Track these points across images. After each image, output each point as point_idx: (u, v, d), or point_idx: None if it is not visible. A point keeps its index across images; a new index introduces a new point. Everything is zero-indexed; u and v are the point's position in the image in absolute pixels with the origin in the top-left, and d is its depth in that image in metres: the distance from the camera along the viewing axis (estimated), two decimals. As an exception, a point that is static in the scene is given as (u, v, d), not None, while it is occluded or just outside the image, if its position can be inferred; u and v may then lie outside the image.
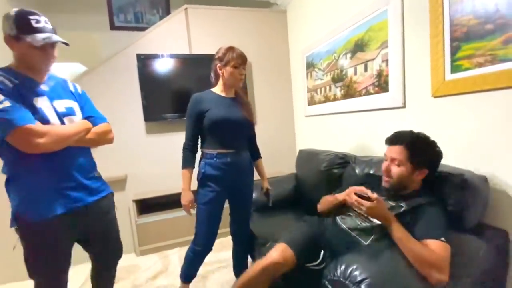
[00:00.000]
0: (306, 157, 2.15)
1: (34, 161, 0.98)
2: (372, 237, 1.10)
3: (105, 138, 1.20)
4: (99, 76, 2.38)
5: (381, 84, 1.69)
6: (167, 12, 3.37)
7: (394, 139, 1.15)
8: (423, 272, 0.89)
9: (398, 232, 0.98)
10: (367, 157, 1.67)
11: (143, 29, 2.87)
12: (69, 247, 1.13)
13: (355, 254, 0.99)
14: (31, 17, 0.97)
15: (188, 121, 1.45)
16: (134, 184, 2.51)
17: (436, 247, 0.91)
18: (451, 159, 1.28)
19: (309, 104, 2.62)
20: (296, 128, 3.01)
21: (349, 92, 2.01)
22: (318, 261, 1.17)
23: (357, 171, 1.60)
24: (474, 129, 1.21)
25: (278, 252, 1.12)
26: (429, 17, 1.32)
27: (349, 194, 1.16)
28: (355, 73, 1.92)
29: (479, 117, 1.18)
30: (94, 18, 3.18)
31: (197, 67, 2.51)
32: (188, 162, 1.46)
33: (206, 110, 1.41)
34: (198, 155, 1.50)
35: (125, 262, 2.28)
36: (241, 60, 1.42)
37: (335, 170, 1.77)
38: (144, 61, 2.41)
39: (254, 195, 1.68)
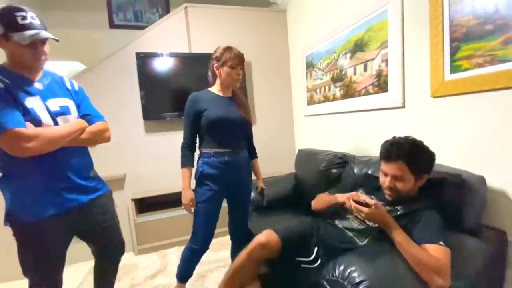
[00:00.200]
0: (305, 157, 2.15)
1: (27, 162, 0.97)
2: (368, 238, 1.10)
3: (101, 137, 1.18)
4: (98, 75, 2.37)
5: (381, 84, 1.69)
6: (167, 10, 3.36)
7: (391, 156, 1.08)
8: (425, 277, 0.87)
9: (399, 236, 0.97)
10: (366, 157, 1.67)
11: (142, 27, 2.86)
12: (64, 248, 1.12)
13: (354, 255, 0.98)
14: (17, 14, 0.93)
15: (186, 120, 1.45)
16: (133, 183, 2.50)
17: (436, 252, 0.90)
18: (449, 159, 1.28)
19: (308, 104, 2.62)
20: (295, 128, 3.00)
21: (349, 92, 2.01)
22: (312, 257, 1.18)
23: (355, 171, 1.60)
24: (473, 129, 1.21)
25: (263, 235, 1.19)
26: (429, 17, 1.32)
27: (348, 199, 1.14)
28: (355, 73, 1.92)
29: (478, 118, 1.18)
30: (93, 16, 3.17)
31: (196, 66, 2.51)
32: (187, 161, 1.46)
33: (203, 109, 1.41)
34: (197, 154, 1.50)
35: (124, 261, 2.25)
36: (238, 61, 1.42)
37: (334, 170, 1.77)
38: (143, 59, 2.41)
39: (251, 194, 1.67)
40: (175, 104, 2.52)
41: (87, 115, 1.16)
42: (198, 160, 1.49)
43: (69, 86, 1.17)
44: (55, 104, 1.06)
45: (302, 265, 1.17)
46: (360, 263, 0.91)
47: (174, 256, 2.28)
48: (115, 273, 1.39)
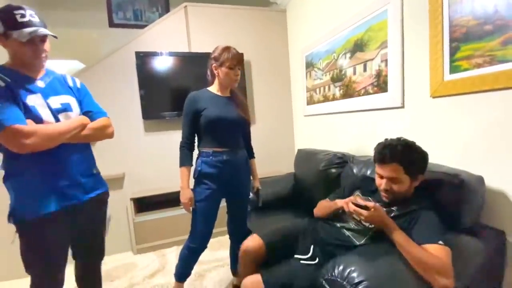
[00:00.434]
0: (305, 157, 2.15)
1: (29, 159, 0.98)
2: (365, 238, 1.11)
3: (103, 133, 1.19)
4: (98, 74, 2.37)
5: (380, 84, 1.69)
6: (167, 10, 3.36)
7: (385, 158, 1.08)
8: (428, 278, 0.86)
9: (399, 237, 0.97)
10: (365, 157, 1.68)
11: (142, 26, 2.86)
12: (66, 245, 1.12)
13: (354, 255, 0.98)
14: (16, 12, 0.95)
15: (185, 119, 1.45)
16: (132, 182, 2.50)
17: (436, 252, 0.89)
18: (448, 159, 1.29)
19: (308, 104, 2.62)
20: (295, 128, 3.00)
21: (348, 92, 2.01)
22: (309, 254, 1.19)
23: (355, 170, 1.61)
24: (472, 129, 1.21)
25: (248, 240, 1.32)
26: (429, 18, 1.32)
27: (347, 203, 1.15)
28: (354, 73, 1.92)
29: (477, 118, 1.18)
30: (93, 15, 3.17)
31: (196, 65, 2.50)
32: (186, 160, 1.46)
33: (202, 109, 1.41)
34: (195, 153, 1.50)
35: (122, 260, 2.28)
36: (236, 61, 1.42)
37: (333, 170, 1.77)
38: (143, 58, 2.40)
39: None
40: (174, 103, 2.51)
41: (89, 112, 1.17)
42: (196, 159, 1.49)
43: (71, 84, 1.17)
44: (56, 101, 1.07)
45: (301, 262, 1.19)
46: (359, 263, 0.91)
47: (173, 255, 2.27)
48: (100, 281, 1.36)
